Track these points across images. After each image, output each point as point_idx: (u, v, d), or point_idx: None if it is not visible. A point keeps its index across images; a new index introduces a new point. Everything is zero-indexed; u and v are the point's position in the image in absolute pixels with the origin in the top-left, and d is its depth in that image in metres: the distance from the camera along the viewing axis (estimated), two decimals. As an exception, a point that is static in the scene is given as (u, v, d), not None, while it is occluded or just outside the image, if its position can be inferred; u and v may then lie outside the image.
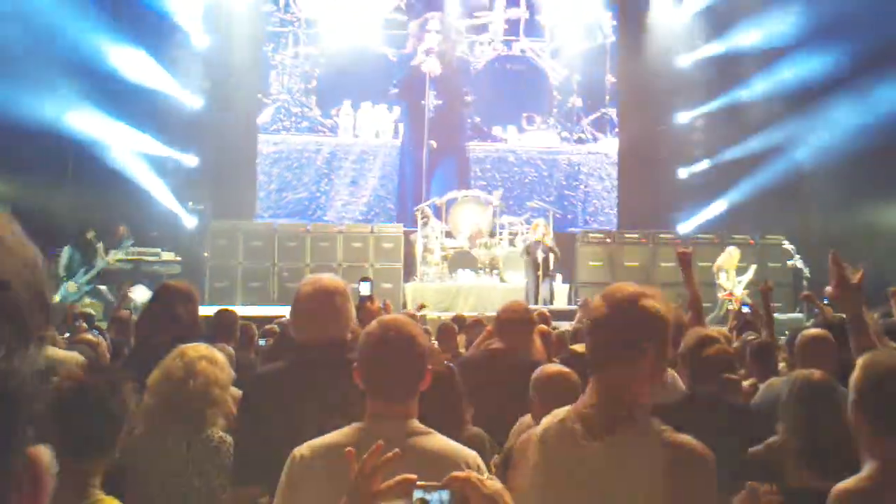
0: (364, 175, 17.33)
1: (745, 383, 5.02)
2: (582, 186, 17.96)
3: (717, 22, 16.78)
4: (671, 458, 2.06)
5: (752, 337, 6.10)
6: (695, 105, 17.49)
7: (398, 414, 2.36)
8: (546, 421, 2.27)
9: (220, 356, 3.25)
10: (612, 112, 18.14)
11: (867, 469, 2.32)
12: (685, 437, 2.11)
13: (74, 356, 3.78)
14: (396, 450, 1.86)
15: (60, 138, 14.03)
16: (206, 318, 6.50)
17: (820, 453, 3.05)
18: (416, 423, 2.37)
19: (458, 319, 8.31)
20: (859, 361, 2.43)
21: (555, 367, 3.63)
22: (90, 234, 12.73)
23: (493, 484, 1.77)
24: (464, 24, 17.75)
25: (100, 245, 12.74)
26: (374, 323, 2.48)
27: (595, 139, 18.14)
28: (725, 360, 3.95)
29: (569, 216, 17.01)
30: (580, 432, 2.16)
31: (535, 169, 17.82)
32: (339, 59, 17.07)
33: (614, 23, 18.09)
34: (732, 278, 13.30)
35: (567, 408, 2.24)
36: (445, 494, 1.70)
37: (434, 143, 17.24)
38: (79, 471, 2.36)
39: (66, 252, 12.62)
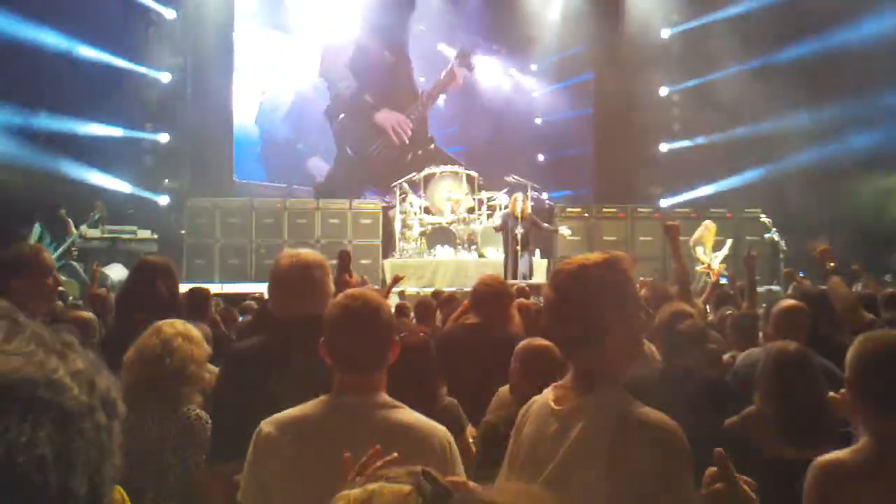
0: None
1: (726, 356, 5.01)
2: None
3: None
4: (630, 434, 1.99)
5: (730, 311, 6.08)
6: (675, 79, 17.52)
7: (365, 386, 2.32)
8: (540, 395, 2.26)
9: (196, 332, 3.22)
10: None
11: (863, 443, 2.34)
12: (649, 413, 2.04)
13: None
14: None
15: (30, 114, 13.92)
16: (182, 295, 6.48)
17: (795, 423, 3.07)
18: (384, 397, 2.34)
19: (437, 294, 8.30)
20: (858, 340, 2.44)
21: (540, 341, 3.62)
22: (61, 211, 12.58)
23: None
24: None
25: (69, 220, 12.60)
26: (339, 295, 2.45)
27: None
28: (698, 334, 3.95)
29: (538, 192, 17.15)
30: (549, 406, 2.14)
31: None
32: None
33: None
34: (709, 252, 13.34)
35: (557, 383, 2.23)
36: None
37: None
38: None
39: (35, 229, 12.44)
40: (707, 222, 13.56)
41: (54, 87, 13.76)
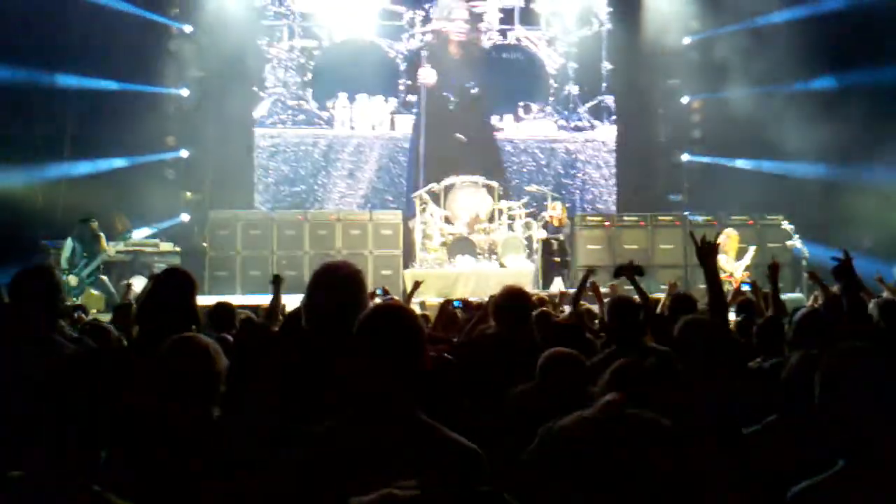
0: (361, 167, 17.28)
1: (752, 363, 4.97)
2: (580, 175, 17.92)
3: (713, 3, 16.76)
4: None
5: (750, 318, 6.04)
6: (693, 88, 17.51)
7: (397, 404, 2.30)
8: None
9: (215, 346, 3.23)
10: (609, 99, 18.05)
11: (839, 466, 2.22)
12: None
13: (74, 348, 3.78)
14: None
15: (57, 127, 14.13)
16: (206, 307, 6.53)
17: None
18: (419, 416, 2.31)
19: (467, 305, 8.21)
20: (826, 360, 2.33)
21: (563, 349, 3.64)
22: (94, 225, 12.66)
23: None
24: (462, 14, 17.59)
25: (102, 235, 12.69)
26: (370, 308, 2.44)
27: (592, 127, 18.06)
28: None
29: (567, 205, 16.98)
30: None
31: (533, 158, 17.76)
32: (335, 52, 17.08)
33: (610, 10, 17.97)
34: (732, 261, 13.25)
35: None
36: None
37: (463, 137, 17.14)
38: (84, 461, 2.35)
39: (68, 244, 12.52)
40: (728, 230, 13.45)
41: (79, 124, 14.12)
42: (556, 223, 14.49)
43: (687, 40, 17.53)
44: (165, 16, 15.97)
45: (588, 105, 18.04)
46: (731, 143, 16.30)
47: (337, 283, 3.12)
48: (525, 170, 17.68)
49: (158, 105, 15.70)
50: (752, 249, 13.27)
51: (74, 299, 11.55)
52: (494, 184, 15.75)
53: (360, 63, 17.09)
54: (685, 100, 17.79)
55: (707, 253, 4.55)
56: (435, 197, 15.31)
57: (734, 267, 13.00)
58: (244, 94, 16.63)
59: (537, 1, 17.82)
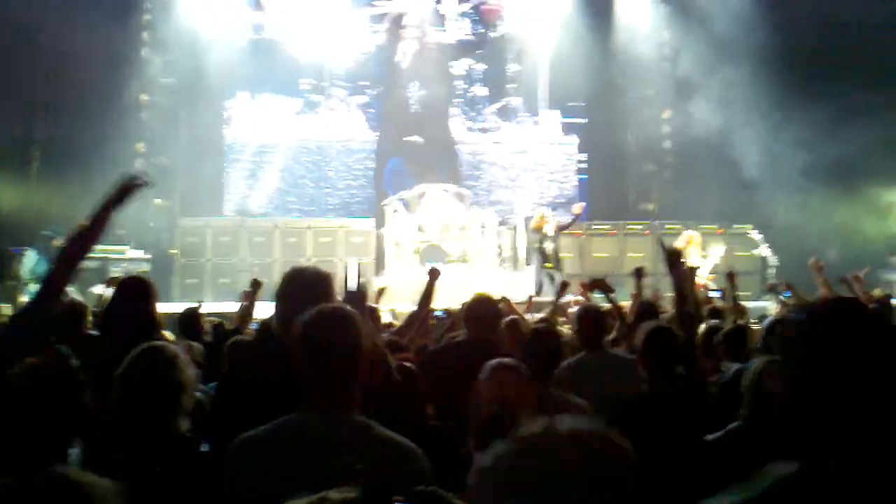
0: (262, 168, 17.08)
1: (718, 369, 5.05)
2: (484, 176, 17.85)
3: (682, 12, 16.92)
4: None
5: (715, 323, 6.10)
6: (664, 98, 17.65)
7: (336, 404, 2.31)
8: None
9: (182, 355, 3.19)
10: (516, 101, 18.05)
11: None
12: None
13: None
14: None
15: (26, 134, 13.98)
16: (175, 315, 6.49)
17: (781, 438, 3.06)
18: (355, 416, 2.33)
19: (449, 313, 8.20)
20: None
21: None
22: (55, 241, 12.55)
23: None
24: (362, 14, 17.53)
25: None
26: (312, 310, 2.43)
27: (499, 128, 18.07)
28: (678, 352, 3.92)
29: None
30: None
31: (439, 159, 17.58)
32: (237, 50, 16.93)
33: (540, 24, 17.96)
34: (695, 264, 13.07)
35: None
36: None
37: (420, 139, 17.18)
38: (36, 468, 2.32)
39: (31, 256, 12.48)
40: (688, 233, 13.26)
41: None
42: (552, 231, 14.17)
43: (659, 50, 17.66)
44: (136, 24, 15.84)
45: (495, 107, 18.03)
46: (701, 152, 16.41)
47: (307, 289, 3.11)
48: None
49: (129, 111, 15.57)
50: (714, 252, 13.21)
51: None
52: (467, 192, 15.77)
53: (262, 62, 16.98)
54: (656, 110, 17.89)
55: (674, 261, 4.51)
56: (406, 204, 15.30)
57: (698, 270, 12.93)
58: (217, 101, 16.57)
59: (443, 3, 17.81)
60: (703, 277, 12.80)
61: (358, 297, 4.37)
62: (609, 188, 17.81)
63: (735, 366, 4.69)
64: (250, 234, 14.73)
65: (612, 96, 17.52)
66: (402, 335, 5.46)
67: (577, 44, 17.71)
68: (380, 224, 15.31)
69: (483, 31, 17.96)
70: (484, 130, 17.97)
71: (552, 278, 13.28)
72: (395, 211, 15.08)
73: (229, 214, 16.09)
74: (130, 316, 4.06)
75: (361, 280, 4.18)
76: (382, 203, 15.54)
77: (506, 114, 18.10)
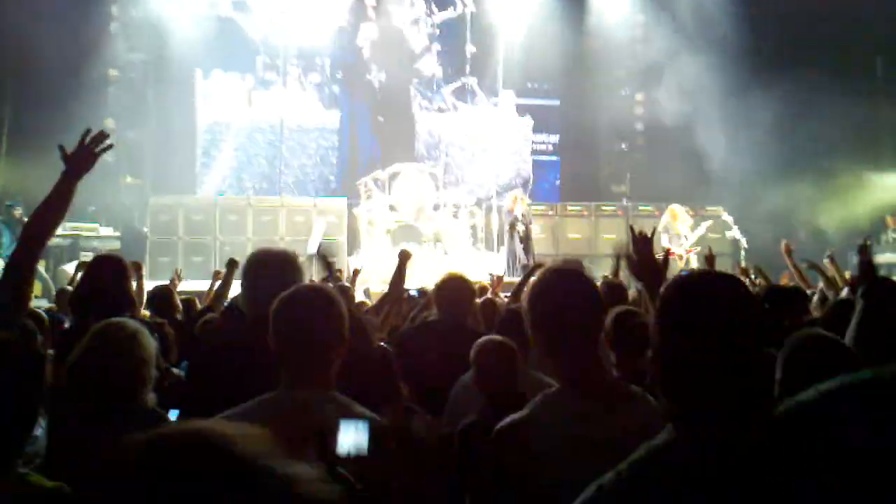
0: (217, 146, 16.99)
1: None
2: (443, 156, 17.78)
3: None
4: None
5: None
6: (636, 81, 17.70)
7: (315, 382, 2.32)
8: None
9: (143, 330, 3.16)
10: (473, 81, 18.00)
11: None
12: None
13: None
14: None
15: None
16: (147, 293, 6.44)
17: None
18: (334, 394, 2.33)
19: (423, 293, 8.21)
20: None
21: (496, 338, 3.68)
22: (17, 211, 12.43)
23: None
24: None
25: (26, 220, 12.42)
26: (291, 289, 2.43)
27: (455, 109, 18.02)
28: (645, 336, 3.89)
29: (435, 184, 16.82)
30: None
31: None
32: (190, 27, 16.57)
33: None
34: (678, 238, 13.15)
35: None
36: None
37: (382, 118, 17.15)
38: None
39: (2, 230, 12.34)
40: (671, 207, 13.46)
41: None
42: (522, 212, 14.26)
43: (631, 32, 17.69)
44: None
45: (451, 87, 17.97)
46: (672, 135, 16.48)
47: (276, 270, 3.11)
48: None
49: (98, 87, 15.40)
50: (704, 225, 13.35)
51: None
52: (438, 172, 15.76)
53: (216, 39, 16.75)
54: (627, 90, 17.95)
55: (643, 245, 4.62)
56: (379, 184, 15.28)
57: (680, 243, 13.01)
58: (187, 76, 16.41)
59: None
60: (682, 248, 12.87)
61: (321, 257, 4.39)
62: (581, 170, 17.87)
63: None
64: (223, 212, 14.63)
65: (584, 78, 17.54)
66: (374, 315, 5.46)
67: (549, 24, 17.70)
68: (352, 203, 15.27)
69: (444, 10, 17.82)
70: (441, 110, 17.87)
71: (518, 258, 13.39)
72: (367, 190, 15.05)
73: (202, 193, 15.96)
74: (101, 295, 4.02)
75: (324, 242, 4.19)
76: (357, 182, 15.50)
77: (462, 94, 18.03)
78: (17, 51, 13.65)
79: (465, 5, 17.76)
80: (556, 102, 18.29)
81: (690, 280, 1.81)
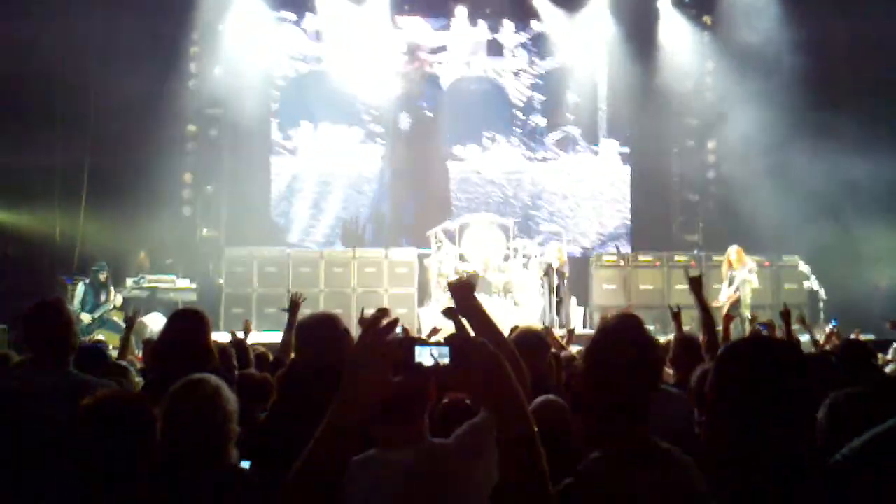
0: (325, 198, 17.29)
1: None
2: (546, 206, 17.91)
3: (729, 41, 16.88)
4: None
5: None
6: (708, 128, 17.55)
7: (411, 436, 2.33)
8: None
9: (224, 386, 3.20)
10: (575, 130, 18.08)
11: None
12: None
13: (107, 384, 3.76)
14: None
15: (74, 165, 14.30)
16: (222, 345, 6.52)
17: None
18: (431, 441, 2.35)
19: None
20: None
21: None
22: (103, 277, 12.80)
23: (490, 348, 1.70)
24: (428, 45, 17.78)
25: (112, 288, 12.83)
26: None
27: (558, 157, 18.11)
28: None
29: (535, 236, 16.92)
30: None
31: (499, 189, 17.79)
32: (299, 81, 17.21)
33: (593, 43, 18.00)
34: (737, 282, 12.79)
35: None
36: (445, 350, 1.68)
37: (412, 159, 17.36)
38: (109, 498, 2.36)
39: (80, 289, 12.68)
40: (730, 248, 13.13)
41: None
42: (559, 263, 14.30)
43: (702, 80, 17.60)
44: (185, 55, 16.18)
45: (554, 136, 18.06)
46: (747, 182, 16.23)
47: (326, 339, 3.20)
48: (491, 201, 17.65)
49: (176, 141, 15.87)
50: (739, 274, 12.98)
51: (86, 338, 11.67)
52: (510, 222, 15.78)
53: (324, 93, 17.20)
54: (699, 139, 17.79)
55: (696, 287, 5.30)
56: (450, 235, 15.34)
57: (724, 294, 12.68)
58: (259, 127, 16.80)
59: (502, 33, 17.94)
60: (722, 298, 12.51)
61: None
62: (653, 219, 17.72)
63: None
64: (295, 264, 14.84)
65: (655, 126, 17.45)
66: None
67: (621, 72, 17.76)
68: (423, 255, 15.36)
69: (539, 60, 18.05)
70: (543, 160, 18.00)
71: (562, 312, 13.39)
72: (437, 241, 15.11)
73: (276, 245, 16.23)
74: (181, 348, 4.09)
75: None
76: (427, 233, 15.58)
77: (564, 143, 18.13)
78: (98, 105, 14.18)
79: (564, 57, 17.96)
80: (627, 150, 18.21)
81: (745, 348, 1.99)
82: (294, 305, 6.31)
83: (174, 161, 15.75)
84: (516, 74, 18.06)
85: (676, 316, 6.65)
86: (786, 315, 6.73)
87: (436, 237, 15.17)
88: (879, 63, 14.41)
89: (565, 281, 13.89)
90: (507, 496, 1.68)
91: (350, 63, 17.30)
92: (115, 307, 12.76)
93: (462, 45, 17.82)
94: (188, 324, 4.21)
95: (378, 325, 1.74)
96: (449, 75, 17.88)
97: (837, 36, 14.77)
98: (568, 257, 14.70)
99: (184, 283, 14.35)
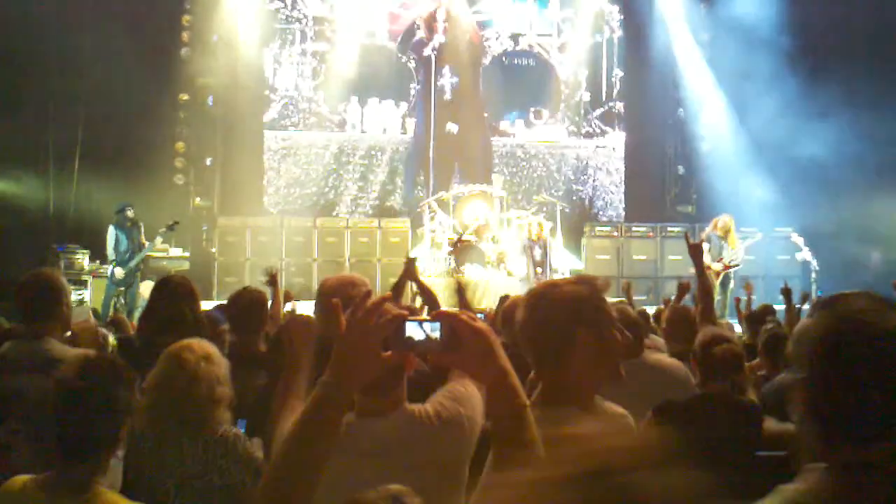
0: (373, 170, 17.32)
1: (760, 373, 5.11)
2: (591, 181, 17.95)
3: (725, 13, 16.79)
4: None
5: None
6: (697, 98, 17.51)
7: (388, 405, 2.32)
8: None
9: (215, 350, 3.22)
10: (620, 106, 18.09)
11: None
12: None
13: (78, 352, 3.77)
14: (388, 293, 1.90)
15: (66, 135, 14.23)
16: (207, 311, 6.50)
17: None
18: (407, 407, 2.34)
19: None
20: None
21: None
22: (130, 213, 12.48)
23: (482, 323, 1.73)
24: (471, 18, 17.73)
25: (141, 224, 12.56)
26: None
27: (603, 133, 18.09)
28: (734, 360, 3.95)
29: (577, 211, 16.95)
30: None
31: (544, 163, 17.77)
32: (346, 56, 17.08)
33: (621, 16, 18.01)
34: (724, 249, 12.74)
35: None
36: (436, 326, 1.70)
37: (455, 127, 17.32)
38: (83, 467, 2.37)
39: (110, 233, 12.35)
40: (722, 216, 13.05)
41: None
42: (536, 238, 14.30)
43: (697, 51, 17.51)
44: (177, 22, 16.04)
45: (598, 112, 18.05)
46: (739, 153, 16.22)
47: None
48: (536, 175, 17.70)
49: (169, 111, 15.77)
50: (750, 239, 13.02)
51: (122, 291, 11.69)
52: (503, 193, 15.74)
53: (371, 67, 17.16)
54: (692, 111, 17.75)
55: (696, 253, 5.34)
56: (444, 205, 15.30)
57: (730, 255, 12.65)
58: (254, 98, 16.70)
59: (549, 8, 17.89)
60: (724, 260, 12.48)
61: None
62: (646, 190, 17.72)
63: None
64: (289, 233, 14.82)
65: (648, 96, 17.41)
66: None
67: (615, 44, 17.78)
68: (416, 224, 15.34)
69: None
70: (589, 136, 18.01)
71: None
72: (431, 211, 15.08)
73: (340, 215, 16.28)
74: (167, 316, 4.10)
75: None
76: (420, 203, 15.57)
77: (610, 119, 18.15)
78: (89, 75, 14.09)
79: (612, 30, 17.96)
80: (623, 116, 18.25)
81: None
82: (272, 277, 6.37)
83: (166, 130, 15.66)
84: (561, 49, 17.99)
85: (683, 288, 6.73)
86: (786, 293, 6.84)
87: (429, 207, 15.14)
88: (874, 37, 14.34)
89: (549, 253, 13.94)
90: (502, 463, 1.71)
91: (394, 36, 17.46)
92: (152, 248, 12.55)
93: (507, 20, 17.81)
94: (175, 291, 4.21)
95: (367, 303, 1.74)
96: (494, 50, 17.90)
97: (836, 9, 14.66)
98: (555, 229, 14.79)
99: (176, 251, 14.33)
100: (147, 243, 12.40)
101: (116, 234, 12.26)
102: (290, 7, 17.16)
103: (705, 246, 12.50)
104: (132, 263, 12.18)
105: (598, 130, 18.08)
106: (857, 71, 14.31)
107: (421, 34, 17.56)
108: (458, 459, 2.32)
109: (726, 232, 12.75)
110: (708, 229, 12.94)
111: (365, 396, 2.28)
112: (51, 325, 3.79)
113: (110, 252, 12.24)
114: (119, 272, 12.09)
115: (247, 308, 4.67)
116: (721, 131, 17.02)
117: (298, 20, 17.26)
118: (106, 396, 2.42)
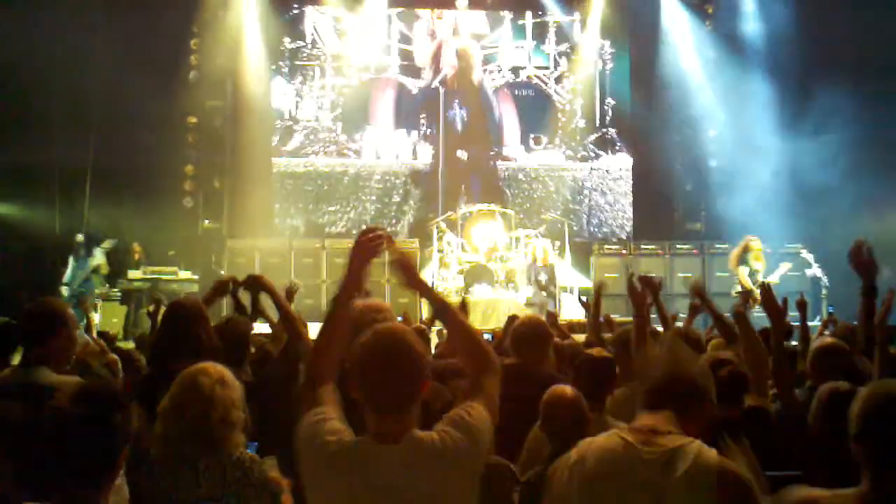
0: (389, 194, 17.81)
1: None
2: (587, 200, 18.47)
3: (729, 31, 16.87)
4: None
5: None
6: (705, 116, 17.54)
7: (399, 427, 2.32)
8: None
9: (228, 374, 3.21)
10: (613, 132, 18.66)
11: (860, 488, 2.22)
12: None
13: (68, 379, 3.74)
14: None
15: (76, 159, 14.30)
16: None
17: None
18: (418, 434, 2.33)
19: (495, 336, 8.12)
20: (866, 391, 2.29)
21: (564, 389, 3.69)
22: (78, 238, 13.16)
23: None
24: (475, 52, 18.53)
25: (96, 253, 13.24)
26: (367, 332, 2.43)
27: (597, 157, 18.70)
28: (739, 382, 3.90)
29: (575, 227, 17.21)
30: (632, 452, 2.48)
31: (543, 185, 18.41)
32: (361, 88, 17.79)
33: (612, 51, 18.54)
34: (754, 273, 12.59)
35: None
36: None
37: (465, 154, 18.10)
38: (84, 494, 2.37)
39: (70, 264, 13.17)
40: (746, 238, 12.90)
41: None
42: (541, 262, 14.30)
43: (703, 69, 17.56)
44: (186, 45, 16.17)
45: (593, 137, 18.67)
46: (749, 170, 16.20)
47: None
48: (536, 196, 18.22)
49: (178, 134, 15.84)
50: (783, 267, 12.92)
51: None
52: (510, 212, 15.76)
53: (384, 99, 17.93)
54: (701, 128, 17.76)
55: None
56: (452, 225, 15.31)
57: (755, 281, 12.44)
58: (264, 124, 16.81)
59: (547, 43, 18.52)
60: (753, 283, 12.32)
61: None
62: (655, 208, 17.74)
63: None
64: (298, 255, 14.86)
65: (656, 115, 17.46)
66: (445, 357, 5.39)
67: (623, 61, 18.16)
68: (424, 244, 15.34)
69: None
70: (584, 159, 18.67)
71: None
72: (440, 231, 15.09)
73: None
74: (178, 340, 4.08)
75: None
76: (429, 223, 15.59)
77: (604, 144, 18.76)
78: (97, 99, 14.17)
79: (603, 62, 18.62)
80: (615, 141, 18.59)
81: None
82: (289, 293, 6.28)
83: (175, 153, 15.73)
84: (558, 80, 18.66)
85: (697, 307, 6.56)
86: (802, 306, 6.66)
87: (437, 227, 15.16)
88: (880, 51, 14.32)
89: (554, 276, 14.03)
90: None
91: (404, 69, 18.22)
92: (93, 269, 12.98)
93: (508, 54, 18.65)
94: (182, 315, 4.20)
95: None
96: (496, 82, 18.69)
97: (839, 25, 14.68)
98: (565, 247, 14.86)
99: (185, 274, 14.36)
100: (93, 261, 13.20)
101: (72, 264, 13.18)
102: (310, 46, 17.78)
103: (744, 270, 12.43)
104: (75, 284, 12.95)
105: (592, 154, 18.71)
106: (868, 86, 14.25)
107: (431, 70, 18.29)
108: (461, 493, 2.33)
109: (755, 253, 12.65)
110: (737, 250, 12.81)
111: (380, 416, 2.29)
112: (46, 354, 3.76)
113: (66, 278, 13.08)
114: (64, 291, 12.89)
115: (234, 343, 4.64)
116: (728, 148, 17.04)
117: (318, 57, 17.87)
118: (101, 424, 2.41)
